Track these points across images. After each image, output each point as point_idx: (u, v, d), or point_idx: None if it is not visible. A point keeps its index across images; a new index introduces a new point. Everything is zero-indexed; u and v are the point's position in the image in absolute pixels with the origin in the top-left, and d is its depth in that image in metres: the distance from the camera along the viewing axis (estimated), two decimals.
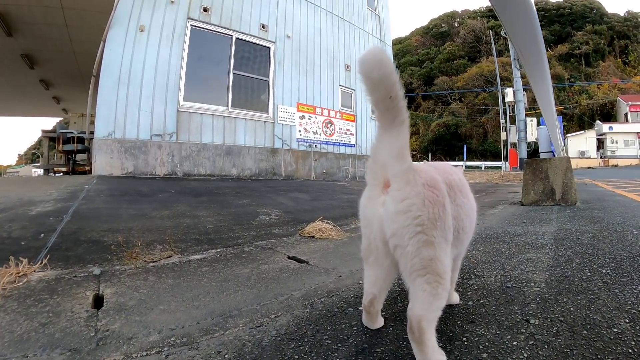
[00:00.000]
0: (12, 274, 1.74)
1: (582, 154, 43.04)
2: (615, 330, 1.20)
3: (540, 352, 1.07)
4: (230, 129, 9.70)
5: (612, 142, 45.08)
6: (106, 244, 2.44)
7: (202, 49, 9.28)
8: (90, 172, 8.75)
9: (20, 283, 1.69)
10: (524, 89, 21.29)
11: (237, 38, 9.89)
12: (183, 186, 6.44)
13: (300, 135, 11.55)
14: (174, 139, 8.61)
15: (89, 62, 10.43)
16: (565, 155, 7.36)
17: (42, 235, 2.60)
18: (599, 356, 1.05)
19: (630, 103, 47.44)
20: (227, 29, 9.70)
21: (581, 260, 2.10)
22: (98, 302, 1.52)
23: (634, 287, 1.61)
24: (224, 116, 9.56)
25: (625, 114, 48.09)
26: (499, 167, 29.42)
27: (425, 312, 0.97)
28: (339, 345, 1.13)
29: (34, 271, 1.82)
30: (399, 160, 1.01)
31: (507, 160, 25.72)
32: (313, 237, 2.67)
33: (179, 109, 8.69)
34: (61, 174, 13.00)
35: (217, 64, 9.70)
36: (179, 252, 2.25)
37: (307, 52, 11.89)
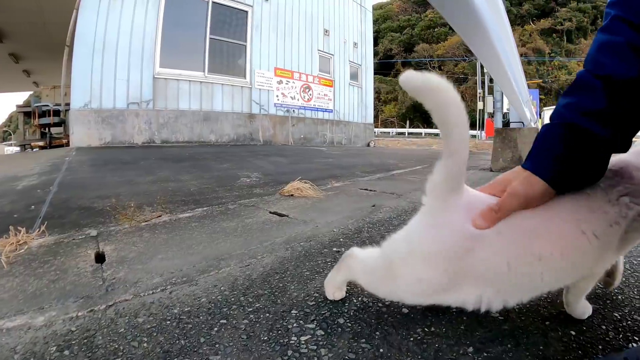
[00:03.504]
0: (12, 243, 1.79)
1: None
2: None
3: None
4: (207, 95, 9.70)
5: None
6: (97, 209, 2.54)
7: (178, 14, 9.15)
8: (67, 144, 8.74)
9: (22, 250, 1.75)
10: None
11: (213, 2, 9.77)
12: (163, 153, 6.53)
13: (278, 100, 11.60)
14: (150, 106, 8.60)
15: (62, 32, 10.15)
16: (538, 126, 7.65)
17: (33, 207, 2.67)
18: None
19: None
20: None
21: None
22: (100, 258, 1.63)
23: None
24: (201, 82, 9.55)
25: None
26: (474, 136, 29.89)
27: None
28: (316, 275, 1.32)
29: (33, 239, 1.89)
30: None
31: (482, 130, 26.16)
32: (292, 195, 2.85)
33: (155, 76, 8.65)
34: (38, 149, 12.76)
35: (193, 29, 9.60)
36: (168, 212, 2.37)
37: (286, 16, 11.78)
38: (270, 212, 2.37)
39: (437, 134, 38.45)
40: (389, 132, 42.58)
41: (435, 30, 62.47)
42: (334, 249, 1.62)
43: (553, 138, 0.82)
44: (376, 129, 31.14)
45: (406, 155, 8.93)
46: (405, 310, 1.06)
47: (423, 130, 42.12)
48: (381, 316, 1.03)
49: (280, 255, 1.55)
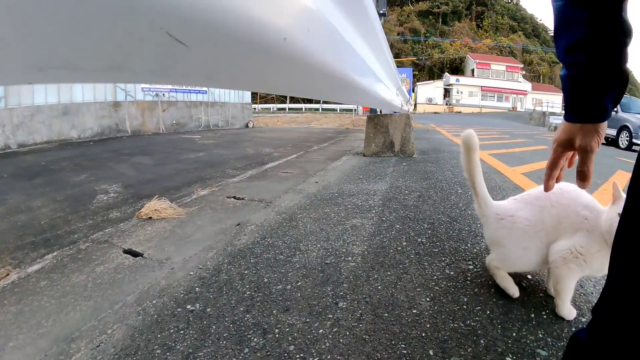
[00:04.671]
0: None
1: (430, 101, 49.06)
2: (414, 311, 1.36)
3: (341, 340, 1.20)
4: (65, 85, 8.68)
5: (458, 92, 52.02)
6: None
7: None
8: None
9: None
10: None
11: None
12: (17, 165, 5.79)
13: (146, 83, 10.79)
14: (2, 104, 7.54)
15: None
16: (408, 109, 8.01)
17: None
18: (393, 342, 1.19)
19: (477, 61, 55.39)
20: None
21: (401, 226, 2.32)
22: None
23: (443, 258, 1.82)
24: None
25: (472, 70, 55.86)
26: (351, 110, 31.13)
27: None
28: (168, 354, 1.19)
29: None
30: None
31: (360, 105, 27.38)
32: (150, 218, 2.63)
33: None
34: None
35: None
36: (16, 266, 2.08)
37: None
38: (124, 251, 2.14)
39: (316, 109, 39.78)
40: (270, 108, 42.61)
41: None
42: (188, 307, 1.48)
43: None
44: (257, 106, 30.81)
45: (284, 139, 8.83)
46: None
47: (303, 106, 43.16)
48: None
49: (132, 325, 1.39)
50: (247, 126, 15.07)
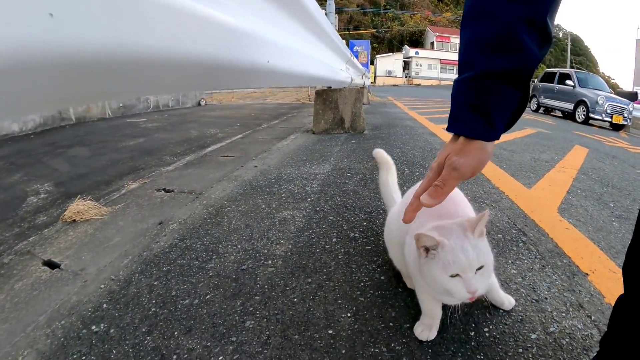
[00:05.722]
0: None
1: (389, 73, 49.57)
2: (330, 331, 1.18)
3: None
4: None
5: (417, 65, 52.71)
6: None
7: None
8: None
9: None
10: (338, 11, 21.93)
11: None
12: None
13: None
14: None
15: None
16: (364, 83, 7.80)
17: None
18: None
19: (437, 34, 56.28)
20: None
21: (335, 218, 2.11)
22: None
23: (375, 258, 1.62)
24: None
25: (432, 43, 56.68)
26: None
27: None
28: None
29: None
30: None
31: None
32: (74, 220, 2.33)
33: None
34: None
35: None
36: None
37: None
38: (44, 263, 1.87)
39: None
40: None
41: None
42: (93, 328, 1.27)
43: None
44: None
45: (233, 117, 8.54)
46: None
47: None
48: None
49: (41, 350, 1.19)
50: (199, 104, 14.47)
